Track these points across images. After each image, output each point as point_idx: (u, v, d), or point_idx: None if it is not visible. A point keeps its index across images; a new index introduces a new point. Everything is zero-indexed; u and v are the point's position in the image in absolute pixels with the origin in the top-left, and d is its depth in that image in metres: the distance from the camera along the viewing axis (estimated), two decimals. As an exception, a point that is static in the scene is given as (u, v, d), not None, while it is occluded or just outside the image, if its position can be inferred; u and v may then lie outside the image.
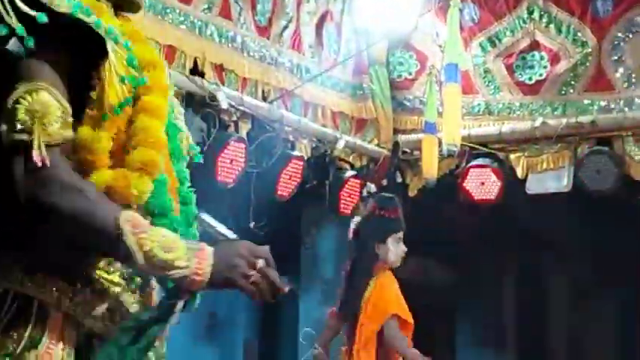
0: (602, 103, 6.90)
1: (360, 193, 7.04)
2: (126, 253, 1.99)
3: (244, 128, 6.04)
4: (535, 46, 7.10)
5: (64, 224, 2.01)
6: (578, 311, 8.40)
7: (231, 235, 2.41)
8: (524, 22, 7.12)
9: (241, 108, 5.91)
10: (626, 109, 6.81)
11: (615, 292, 8.17)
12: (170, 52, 5.44)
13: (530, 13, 7.09)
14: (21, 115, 1.99)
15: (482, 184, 7.01)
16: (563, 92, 7.02)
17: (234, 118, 5.95)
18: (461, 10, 6.44)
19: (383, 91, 7.32)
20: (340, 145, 6.84)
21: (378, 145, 7.33)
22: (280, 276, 2.12)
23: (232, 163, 5.84)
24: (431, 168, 6.58)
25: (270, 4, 6.31)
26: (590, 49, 6.93)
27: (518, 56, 7.14)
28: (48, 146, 1.99)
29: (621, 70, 6.85)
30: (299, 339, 7.84)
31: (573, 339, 8.59)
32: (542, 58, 7.08)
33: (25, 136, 1.97)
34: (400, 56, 7.44)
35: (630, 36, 6.82)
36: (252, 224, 6.27)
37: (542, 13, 7.07)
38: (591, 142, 6.90)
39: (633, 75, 6.81)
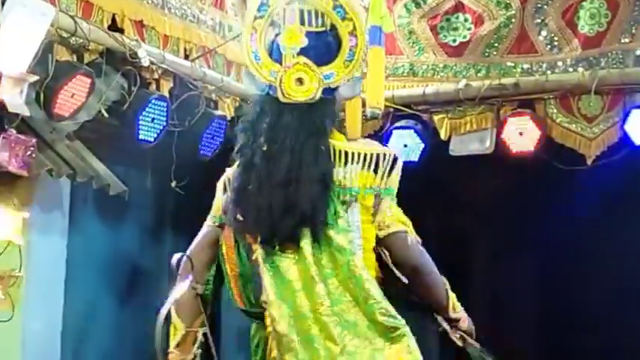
0: (525, 66, 6.94)
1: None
2: None
3: (166, 86, 5.95)
4: (459, 7, 7.10)
5: None
6: (501, 274, 8.49)
7: None
8: (449, -17, 7.12)
9: (163, 66, 5.81)
10: (549, 72, 6.85)
11: (536, 254, 8.27)
12: (87, 8, 5.31)
13: (455, -26, 7.10)
14: None
15: (406, 146, 7.01)
16: (486, 54, 7.04)
17: (156, 76, 5.85)
18: (386, -29, 6.41)
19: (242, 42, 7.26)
20: (263, 104, 6.78)
21: (301, 104, 7.28)
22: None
23: (153, 121, 5.76)
24: (355, 129, 6.55)
25: (200, -38, 6.24)
26: (513, 12, 6.95)
27: (443, 17, 7.13)
28: None
29: (544, 33, 6.89)
30: (221, 299, 7.84)
31: (495, 300, 8.69)
32: (466, 19, 7.09)
33: None
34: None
35: (553, -1, 6.87)
36: (173, 183, 6.22)
37: (467, -26, 7.08)
38: (514, 104, 6.94)
39: (555, 38, 6.85)
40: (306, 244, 3.42)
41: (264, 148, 3.45)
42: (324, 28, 3.51)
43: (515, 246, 8.26)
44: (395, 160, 3.57)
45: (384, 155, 3.55)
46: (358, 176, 3.49)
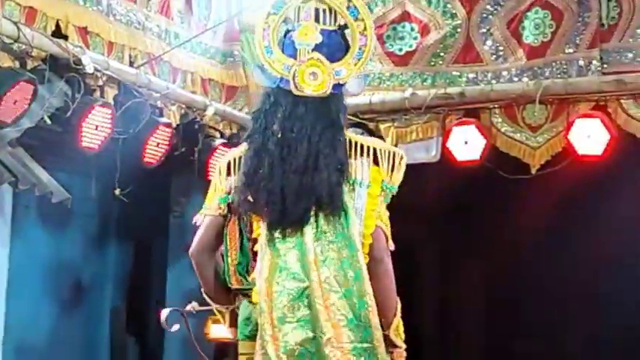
0: (471, 75, 6.97)
1: (231, 161, 6.97)
2: None
3: (110, 93, 5.90)
4: (406, 16, 7.12)
5: None
6: (448, 281, 8.54)
7: None
8: (396, -8, 7.14)
9: (107, 72, 5.76)
10: (494, 81, 6.89)
11: (483, 262, 8.32)
12: (31, 14, 5.27)
13: (401, -17, 7.12)
14: None
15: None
16: (432, 63, 7.07)
17: (100, 83, 5.79)
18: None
19: (254, 58, 7.24)
20: (210, 112, 6.75)
21: (248, 112, 7.26)
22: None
23: (97, 128, 5.71)
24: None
25: (138, -32, 6.19)
26: (459, 21, 6.98)
27: (389, 27, 7.15)
28: None
29: (489, 42, 6.93)
30: (166, 306, 7.79)
31: (442, 307, 8.74)
32: (412, 29, 7.11)
33: None
34: (272, 24, 7.38)
35: (498, 9, 6.90)
36: (117, 191, 6.17)
37: (412, -17, 7.10)
38: (460, 113, 6.97)
39: (501, 48, 6.89)
40: (308, 230, 3.61)
41: (279, 136, 3.62)
42: (336, 27, 3.72)
43: (461, 253, 8.32)
44: (402, 158, 3.75)
45: (394, 153, 3.72)
46: (370, 169, 3.67)
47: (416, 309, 8.63)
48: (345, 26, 3.73)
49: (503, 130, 6.89)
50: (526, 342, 8.17)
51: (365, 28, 3.70)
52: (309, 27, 3.67)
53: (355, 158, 3.66)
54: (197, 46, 6.82)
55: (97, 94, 5.80)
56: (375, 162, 3.69)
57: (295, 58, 3.67)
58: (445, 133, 6.91)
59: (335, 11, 3.70)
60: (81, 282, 7.79)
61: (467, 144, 6.82)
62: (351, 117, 7.01)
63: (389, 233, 3.71)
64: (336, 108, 3.69)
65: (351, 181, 3.64)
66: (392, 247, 3.72)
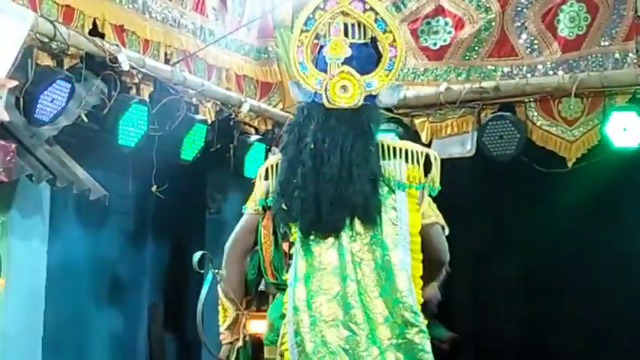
0: (506, 69, 6.95)
1: (265, 157, 7.00)
2: None
3: (146, 91, 5.94)
4: (440, 11, 7.12)
5: None
6: (483, 276, 8.51)
7: None
8: (430, -14, 7.14)
9: (143, 70, 5.80)
10: (529, 75, 6.88)
11: (519, 256, 8.29)
12: (68, 13, 5.31)
13: (436, -22, 7.11)
14: None
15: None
16: (467, 58, 7.06)
17: (136, 81, 5.84)
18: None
19: (288, 54, 7.24)
20: (245, 108, 6.78)
21: (283, 109, 7.28)
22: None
23: (134, 126, 5.74)
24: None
25: (173, -35, 6.22)
26: (493, 15, 6.97)
27: (423, 21, 7.15)
28: None
29: (524, 36, 6.91)
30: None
31: (478, 301, 8.70)
32: (446, 23, 7.10)
33: None
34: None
35: (533, 2, 6.89)
36: (154, 188, 6.20)
37: (446, -22, 7.09)
38: (495, 107, 6.95)
39: (535, 41, 6.87)
40: (345, 234, 3.72)
41: (312, 147, 3.74)
42: (365, 40, 3.82)
43: (498, 247, 8.28)
44: (435, 159, 3.85)
45: (427, 154, 3.83)
46: (405, 169, 3.77)
47: (451, 303, 8.62)
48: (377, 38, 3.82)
49: (538, 123, 6.86)
50: (564, 338, 8.13)
51: (394, 40, 3.80)
52: (339, 41, 3.79)
53: (392, 159, 3.77)
54: (232, 42, 6.85)
55: (133, 91, 5.84)
56: (412, 162, 3.79)
57: (327, 73, 3.79)
58: (481, 128, 6.89)
59: (364, 25, 3.80)
60: (119, 279, 7.84)
61: (502, 138, 6.80)
62: (385, 112, 7.04)
63: (443, 223, 3.87)
64: (368, 118, 3.79)
65: (389, 183, 3.75)
66: (447, 231, 3.89)
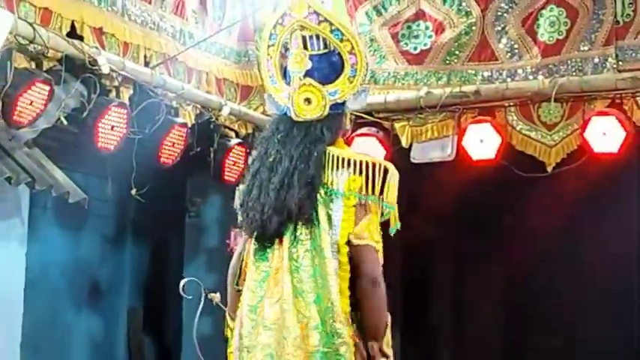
0: (486, 74, 6.97)
1: (246, 161, 6.99)
2: None
3: (126, 94, 5.90)
4: (420, 15, 7.12)
5: None
6: (463, 280, 8.53)
7: None
8: (410, -9, 7.14)
9: (123, 73, 5.77)
10: (509, 79, 6.89)
11: (499, 261, 8.31)
12: (46, 15, 5.27)
13: (416, -18, 7.11)
14: None
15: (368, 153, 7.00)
16: (447, 62, 7.07)
17: (116, 84, 5.80)
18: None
19: (259, 67, 7.23)
20: (225, 112, 6.76)
21: (263, 112, 7.25)
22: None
23: (113, 129, 5.72)
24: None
25: (152, -32, 6.19)
26: (474, 19, 6.98)
27: (404, 25, 7.15)
28: None
29: (504, 40, 6.93)
30: (182, 306, 7.81)
31: (458, 306, 8.72)
32: (427, 27, 7.11)
33: None
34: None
35: (513, 7, 6.90)
36: (133, 191, 6.17)
37: (427, -18, 7.10)
38: (475, 111, 6.96)
39: (516, 46, 6.89)
40: (286, 239, 3.77)
41: (271, 159, 3.80)
42: (327, 50, 3.83)
43: (477, 252, 8.31)
44: (386, 170, 3.80)
45: (374, 164, 3.79)
46: (346, 179, 3.76)
47: (431, 308, 8.66)
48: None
49: (518, 128, 6.88)
50: (544, 338, 8.16)
51: (352, 47, 3.82)
52: (299, 54, 3.82)
53: (332, 170, 3.77)
54: (212, 46, 6.82)
55: (113, 94, 5.80)
56: (354, 172, 3.79)
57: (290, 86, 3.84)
58: (460, 132, 6.91)
59: (320, 36, 3.82)
60: (98, 282, 7.82)
61: (482, 142, 6.82)
62: (365, 116, 7.06)
63: (380, 250, 3.77)
64: (323, 126, 3.81)
65: (329, 192, 3.76)
66: (381, 261, 3.79)
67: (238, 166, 6.90)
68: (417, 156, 7.05)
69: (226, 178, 6.85)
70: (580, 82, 6.62)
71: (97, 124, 5.61)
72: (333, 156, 3.78)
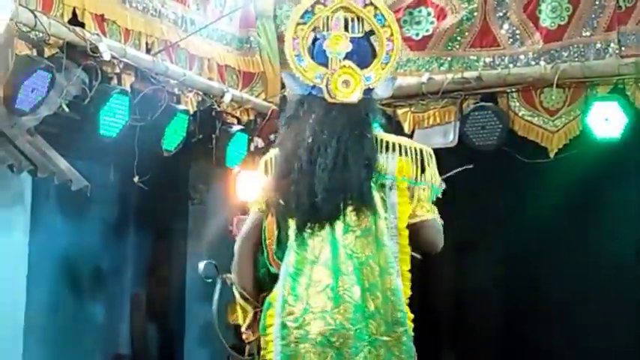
0: (488, 59, 6.95)
1: (248, 147, 7.00)
2: None
3: (128, 81, 5.89)
4: (422, 1, 7.10)
5: None
6: (466, 267, 8.52)
7: None
8: (412, -24, 7.12)
9: (124, 60, 5.76)
10: (511, 65, 6.86)
11: (502, 247, 8.31)
12: (47, 2, 5.26)
13: (418, -32, 7.10)
14: None
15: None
16: (449, 48, 7.05)
17: (117, 71, 5.79)
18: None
19: (271, 44, 7.24)
20: (227, 98, 6.76)
21: (265, 99, 7.26)
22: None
23: (115, 116, 5.71)
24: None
25: (151, -44, 6.19)
26: (476, 5, 6.95)
27: (405, 11, 7.12)
28: None
29: (506, 26, 6.91)
30: (186, 292, 7.84)
31: (460, 291, 8.72)
32: (428, 13, 7.09)
33: None
34: (288, 10, 7.37)
35: (515, -9, 6.88)
36: (136, 178, 6.18)
37: (429, -32, 7.08)
38: (477, 97, 6.95)
39: (517, 31, 6.87)
40: (338, 225, 3.73)
41: (309, 141, 3.77)
42: (362, 34, 3.86)
43: (481, 238, 8.30)
44: (430, 156, 3.94)
45: (422, 150, 3.90)
46: (397, 164, 3.80)
47: (433, 294, 8.64)
48: (372, 32, 3.87)
49: (520, 114, 6.86)
50: (545, 326, 8.15)
51: (392, 34, 3.86)
52: (340, 36, 3.83)
53: (384, 153, 3.79)
54: (213, 32, 6.82)
55: (115, 81, 5.79)
56: (405, 156, 3.84)
57: (327, 67, 3.82)
58: (463, 118, 6.90)
59: (362, 19, 3.84)
60: (101, 269, 7.84)
61: (485, 128, 6.81)
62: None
63: (438, 218, 3.95)
64: (366, 110, 3.84)
65: (380, 177, 3.77)
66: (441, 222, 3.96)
67: (240, 153, 6.90)
68: (419, 142, 7.01)
69: (229, 165, 6.86)
70: (582, 67, 6.60)
71: (98, 112, 5.60)
72: (382, 140, 3.82)
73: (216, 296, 4.16)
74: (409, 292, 3.77)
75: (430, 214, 3.89)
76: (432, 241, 3.91)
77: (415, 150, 3.86)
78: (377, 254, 3.70)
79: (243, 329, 4.06)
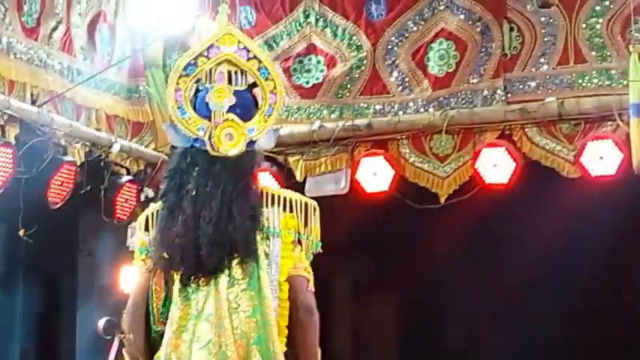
0: (378, 107, 7.01)
1: (137, 198, 6.91)
2: None
3: (12, 132, 5.80)
4: (312, 49, 7.15)
5: None
6: (362, 313, 8.54)
7: None
8: (301, 25, 7.16)
9: (8, 112, 5.67)
10: (401, 112, 6.94)
11: (396, 291, 8.35)
12: None
13: (307, 16, 7.14)
14: None
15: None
16: (339, 95, 7.09)
17: (1, 122, 5.70)
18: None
19: (160, 93, 7.16)
20: (115, 149, 6.68)
21: (155, 148, 7.19)
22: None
23: (-1, 169, 5.60)
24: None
25: (38, 5, 6.10)
26: (365, 53, 7.02)
27: (295, 60, 7.16)
28: None
29: (395, 74, 6.98)
30: (76, 346, 7.68)
31: (355, 338, 8.73)
32: (318, 62, 7.13)
33: None
34: (177, 58, 7.32)
35: (403, 40, 6.96)
36: (21, 232, 6.04)
37: (317, 17, 7.13)
38: (368, 144, 7.00)
39: (407, 79, 6.94)
40: (223, 279, 3.67)
41: (193, 193, 3.70)
42: (245, 87, 3.82)
43: (374, 284, 8.34)
44: (315, 209, 3.82)
45: (306, 203, 3.82)
46: (281, 217, 3.75)
47: (331, 340, 8.64)
48: (254, 84, 3.83)
49: (411, 160, 6.93)
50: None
51: (275, 87, 3.82)
52: (223, 89, 3.78)
53: (267, 207, 3.74)
54: (101, 82, 6.74)
55: (-1, 133, 5.69)
56: (290, 210, 3.78)
57: (209, 119, 3.76)
58: (354, 165, 6.93)
59: (246, 72, 3.81)
60: (-11, 325, 7.63)
61: (376, 175, 6.85)
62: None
63: (311, 281, 3.77)
64: (250, 162, 3.78)
65: (264, 230, 3.71)
66: (311, 287, 3.80)
67: (130, 204, 6.81)
68: (311, 190, 7.03)
69: (118, 215, 6.76)
70: (470, 114, 6.71)
71: (-19, 165, 5.49)
72: (267, 193, 3.78)
73: (112, 355, 4.06)
74: (285, 348, 3.70)
75: (301, 272, 3.78)
76: (302, 297, 3.76)
77: (300, 203, 3.80)
78: (261, 307, 3.66)
79: None
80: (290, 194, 3.83)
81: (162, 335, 3.83)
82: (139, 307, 3.86)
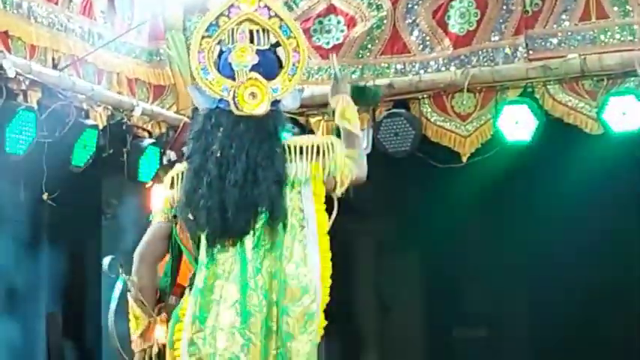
0: (399, 66, 6.98)
1: (160, 161, 6.93)
2: None
3: (34, 97, 5.82)
4: (332, 10, 7.12)
5: None
6: (385, 273, 8.55)
7: None
8: (321, -15, 7.13)
9: (30, 76, 5.68)
10: (422, 71, 6.91)
11: (419, 251, 8.36)
12: (-52, 20, 5.17)
13: (324, -23, 7.13)
14: None
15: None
16: (360, 56, 7.07)
17: (23, 87, 5.71)
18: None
19: (181, 56, 7.18)
20: (137, 112, 6.69)
21: (176, 111, 7.20)
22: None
23: (22, 133, 5.62)
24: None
25: (58, -30, 6.10)
26: (385, 13, 6.99)
27: (315, 20, 7.14)
28: None
29: (416, 33, 6.95)
30: (101, 309, 7.74)
31: (380, 296, 8.75)
32: (338, 22, 7.11)
33: None
34: (197, 21, 7.32)
35: (423, -1, 6.93)
36: (45, 196, 6.08)
37: (337, -24, 7.10)
38: (389, 104, 6.98)
39: (427, 38, 6.91)
40: (248, 241, 3.73)
41: (218, 155, 3.76)
42: (268, 46, 3.85)
43: (397, 244, 8.35)
44: (332, 145, 3.85)
45: (325, 144, 3.85)
46: (310, 169, 3.80)
47: (354, 302, 8.66)
48: (277, 44, 3.86)
49: (432, 119, 6.91)
50: (466, 330, 8.23)
51: (297, 45, 3.86)
52: (246, 48, 3.82)
53: (295, 161, 3.78)
54: (122, 46, 6.75)
55: (21, 98, 5.71)
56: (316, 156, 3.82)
57: (233, 79, 3.80)
58: (376, 125, 6.91)
59: (268, 31, 3.84)
60: (15, 289, 7.68)
61: (397, 135, 6.84)
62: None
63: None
64: (274, 122, 3.82)
65: (294, 183, 3.77)
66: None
67: (152, 166, 6.83)
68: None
69: (141, 178, 6.79)
70: (491, 72, 6.68)
71: (4, 129, 5.51)
72: (294, 147, 3.81)
73: (115, 294, 4.09)
74: (327, 299, 3.79)
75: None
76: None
77: (326, 145, 3.84)
78: (282, 268, 3.71)
79: (133, 337, 4.04)
80: (311, 140, 3.87)
81: (169, 286, 3.98)
82: (150, 251, 3.97)
